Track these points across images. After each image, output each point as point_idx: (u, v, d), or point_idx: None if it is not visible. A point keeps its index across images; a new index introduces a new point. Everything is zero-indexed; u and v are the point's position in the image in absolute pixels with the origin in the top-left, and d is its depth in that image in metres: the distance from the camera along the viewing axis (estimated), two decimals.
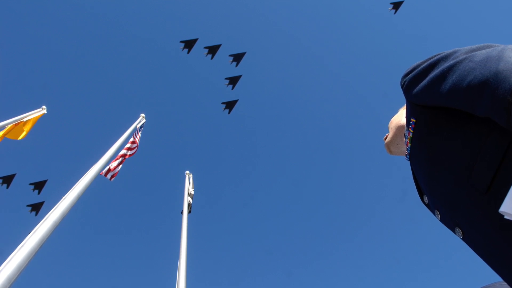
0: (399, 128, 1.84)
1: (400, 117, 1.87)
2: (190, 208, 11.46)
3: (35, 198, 18.23)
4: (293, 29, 40.94)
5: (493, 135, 1.05)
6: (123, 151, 11.57)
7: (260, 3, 39.87)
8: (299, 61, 41.05)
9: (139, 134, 12.63)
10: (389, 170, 39.04)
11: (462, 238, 1.28)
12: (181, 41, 19.08)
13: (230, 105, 21.29)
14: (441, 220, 1.42)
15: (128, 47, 38.65)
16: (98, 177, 7.64)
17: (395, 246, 35.99)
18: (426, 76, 1.27)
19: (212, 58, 19.58)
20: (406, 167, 1.68)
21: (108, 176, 10.86)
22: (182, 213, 10.68)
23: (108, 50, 38.43)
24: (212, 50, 19.37)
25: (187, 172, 13.65)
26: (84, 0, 35.92)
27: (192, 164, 39.40)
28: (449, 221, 1.34)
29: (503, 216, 0.99)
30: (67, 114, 36.44)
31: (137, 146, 12.16)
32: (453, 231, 1.33)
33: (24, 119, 11.87)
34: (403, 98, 1.49)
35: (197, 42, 19.13)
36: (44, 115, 12.93)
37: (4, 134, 11.15)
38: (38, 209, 17.97)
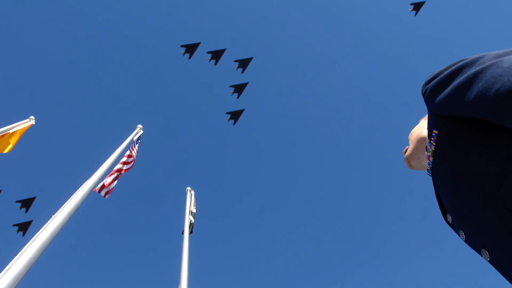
0: (420, 140, 1.84)
1: (421, 129, 1.87)
2: (192, 228, 11.44)
3: (22, 217, 18.27)
4: (304, 33, 41.03)
5: None
6: (118, 166, 11.58)
7: (268, 4, 39.97)
8: (311, 68, 41.10)
9: (136, 147, 12.66)
10: (410, 186, 38.92)
11: (488, 261, 1.27)
12: (182, 45, 19.15)
13: (235, 115, 21.32)
14: (466, 241, 1.41)
15: (124, 51, 38.85)
16: (91, 194, 7.67)
17: (416, 269, 35.75)
18: (450, 83, 1.26)
19: (216, 64, 19.65)
20: (427, 183, 1.67)
21: (102, 193, 10.87)
22: (183, 233, 10.66)
23: (101, 53, 38.64)
24: (216, 55, 19.43)
25: (189, 188, 13.65)
26: (76, 2, 36.19)
27: (193, 180, 39.47)
28: (475, 242, 1.33)
29: None
30: (57, 125, 36.61)
31: (133, 160, 12.18)
32: (479, 253, 1.32)
33: (11, 131, 11.92)
34: (424, 107, 1.49)
35: (200, 46, 19.20)
36: (32, 126, 12.98)
37: None
38: (25, 229, 18.00)
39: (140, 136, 13.23)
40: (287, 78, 41.48)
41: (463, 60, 1.26)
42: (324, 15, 40.26)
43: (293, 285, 35.76)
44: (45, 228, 5.19)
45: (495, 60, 1.11)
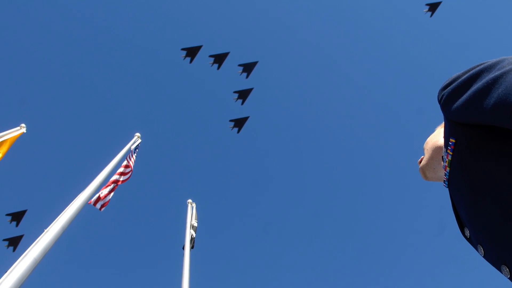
0: (436, 150, 1.84)
1: (437, 137, 1.87)
2: (193, 242, 11.45)
3: (12, 231, 18.27)
4: (313, 36, 41.06)
5: None
6: (115, 177, 11.60)
7: (275, 3, 40.03)
8: (320, 73, 41.11)
9: (134, 156, 12.67)
10: (425, 198, 38.75)
11: (509, 278, 1.26)
12: (183, 49, 19.21)
13: (239, 123, 21.33)
14: (484, 256, 1.41)
15: (120, 53, 38.93)
16: (86, 207, 7.66)
17: (431, 287, 35.57)
18: (468, 89, 1.26)
19: (218, 68, 19.69)
20: (444, 195, 1.67)
21: (98, 205, 10.88)
22: (183, 248, 10.67)
23: (95, 56, 38.74)
24: (219, 59, 19.47)
25: (190, 201, 13.66)
26: (69, 3, 36.34)
27: (195, 191, 39.41)
28: (495, 258, 1.32)
29: None
30: (50, 134, 36.70)
31: (131, 170, 12.19)
32: (499, 269, 1.31)
33: (0, 140, 11.95)
34: (440, 115, 1.49)
35: (201, 49, 19.26)
36: (23, 134, 13.01)
37: None
38: (16, 244, 18.00)
39: (138, 145, 13.25)
40: (295, 84, 41.54)
41: (481, 64, 1.26)
42: (334, 17, 40.35)
43: None
44: (37, 243, 5.20)
45: None
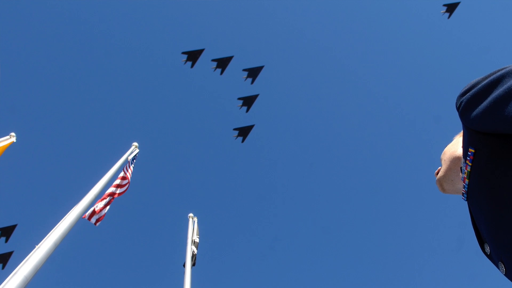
0: (454, 160, 1.84)
1: (455, 147, 1.87)
2: (195, 259, 11.44)
3: (1, 247, 18.28)
4: (323, 39, 41.07)
5: None
6: (111, 189, 11.61)
7: (282, 4, 40.07)
8: (331, 78, 41.11)
9: (131, 167, 12.69)
10: (442, 212, 38.61)
11: None
12: (183, 52, 19.24)
13: (244, 131, 21.34)
14: (506, 274, 1.40)
15: (116, 56, 39.01)
16: (80, 221, 7.68)
17: None
18: (488, 95, 1.26)
19: (221, 73, 19.72)
20: (463, 208, 1.67)
21: (93, 220, 10.89)
22: (184, 266, 10.66)
23: (89, 59, 38.84)
24: (222, 63, 19.50)
25: (191, 215, 13.66)
26: (63, 7, 36.50)
27: (196, 205, 39.39)
28: None
29: None
30: (42, 143, 36.75)
31: (128, 182, 12.21)
32: None
33: None
34: (459, 123, 1.49)
35: (203, 53, 19.29)
36: (13, 143, 13.05)
37: None
38: (5, 261, 18.00)
39: (135, 155, 13.27)
40: (304, 90, 41.52)
41: (503, 69, 1.26)
42: (345, 20, 40.37)
43: None
44: (27, 260, 5.21)
45: None
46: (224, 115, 39.84)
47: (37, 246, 5.57)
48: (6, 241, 18.36)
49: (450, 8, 19.53)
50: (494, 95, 1.21)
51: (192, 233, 12.60)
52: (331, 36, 40.57)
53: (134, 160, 13.16)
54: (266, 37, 40.98)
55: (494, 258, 1.47)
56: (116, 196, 11.74)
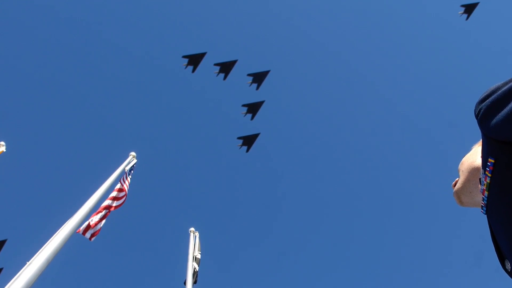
0: (473, 171, 1.83)
1: (474, 157, 1.86)
2: (196, 277, 11.41)
3: None
4: (332, 42, 41.02)
5: None
6: (107, 202, 11.60)
7: (289, 6, 40.03)
8: (341, 84, 41.05)
9: (129, 179, 12.68)
10: (459, 226, 38.46)
11: None
12: (184, 56, 19.24)
13: (248, 140, 21.31)
14: None
15: (112, 60, 39.02)
16: (74, 236, 7.67)
17: None
18: (508, 102, 1.25)
19: (225, 78, 19.73)
20: (482, 222, 1.66)
21: (87, 234, 10.88)
22: (185, 283, 10.64)
23: (84, 65, 38.86)
24: (225, 67, 19.50)
25: (192, 229, 13.64)
26: (58, 10, 36.58)
27: (198, 219, 39.31)
28: None
29: None
30: (33, 153, 36.76)
31: (125, 195, 12.20)
32: None
33: None
34: (478, 131, 1.49)
35: (205, 57, 19.29)
36: (2, 153, 13.06)
37: None
38: None
39: (133, 165, 13.26)
40: (313, 96, 41.47)
41: None
42: (356, 21, 40.34)
43: None
44: (18, 277, 5.21)
45: None
46: (227, 123, 39.87)
47: (28, 263, 5.57)
48: None
49: (469, 9, 19.51)
50: None
51: (194, 248, 12.58)
52: (342, 39, 40.58)
53: (132, 171, 13.15)
54: (272, 39, 40.98)
55: None
56: (112, 209, 11.73)
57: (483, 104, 1.39)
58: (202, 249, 13.09)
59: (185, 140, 40.85)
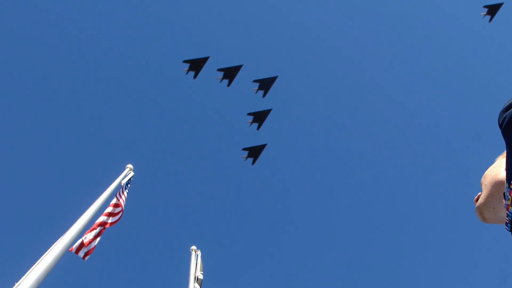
0: (497, 185, 1.82)
1: (497, 170, 1.86)
2: None
3: None
4: (343, 47, 40.96)
5: None
6: (101, 218, 11.61)
7: (298, 9, 40.01)
8: (354, 91, 40.96)
9: (125, 193, 12.68)
10: (483, 244, 38.33)
11: None
12: (185, 61, 19.24)
13: (254, 152, 21.27)
14: None
15: (110, 65, 39.10)
16: (66, 255, 7.68)
17: None
18: None
19: (229, 84, 19.73)
20: (506, 240, 1.65)
21: (81, 253, 10.88)
22: None
23: (81, 74, 38.95)
24: (229, 73, 19.48)
25: (194, 248, 13.65)
26: (55, 14, 36.70)
27: (200, 237, 39.24)
28: None
29: None
30: (23, 164, 36.79)
31: (121, 210, 12.20)
32: None
33: None
34: (502, 142, 1.48)
35: (208, 61, 19.29)
36: None
37: None
38: None
39: (130, 179, 13.27)
40: (323, 104, 41.41)
41: None
42: (371, 25, 40.33)
43: None
44: None
45: None
46: (232, 133, 39.88)
47: (16, 284, 5.58)
48: None
49: (492, 10, 19.47)
50: None
51: (195, 268, 12.58)
52: (355, 44, 40.52)
53: (129, 185, 13.16)
54: (280, 43, 40.96)
55: None
56: (107, 226, 11.73)
57: (507, 113, 1.38)
58: (204, 269, 13.09)
59: (186, 151, 40.86)
